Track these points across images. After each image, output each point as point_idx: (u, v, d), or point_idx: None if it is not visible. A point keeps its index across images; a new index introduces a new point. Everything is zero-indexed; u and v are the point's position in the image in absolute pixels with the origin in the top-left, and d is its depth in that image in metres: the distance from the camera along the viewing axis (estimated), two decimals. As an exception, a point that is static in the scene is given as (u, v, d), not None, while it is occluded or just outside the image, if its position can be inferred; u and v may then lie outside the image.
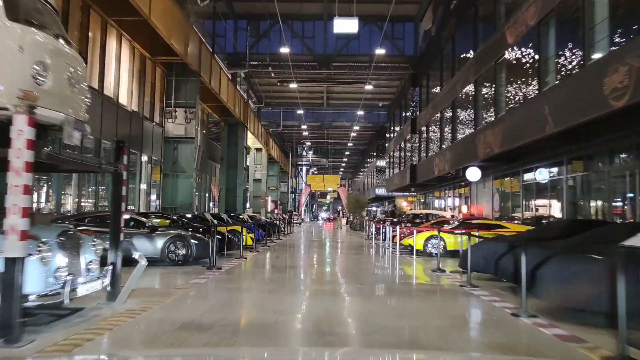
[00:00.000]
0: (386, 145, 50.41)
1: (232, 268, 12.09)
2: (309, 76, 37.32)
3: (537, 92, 15.22)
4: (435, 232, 16.94)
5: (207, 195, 34.55)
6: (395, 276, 12.38)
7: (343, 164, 79.05)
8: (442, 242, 16.63)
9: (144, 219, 12.61)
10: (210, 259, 11.76)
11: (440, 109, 27.51)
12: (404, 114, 38.87)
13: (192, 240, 12.35)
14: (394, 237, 21.68)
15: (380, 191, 53.36)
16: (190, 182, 22.39)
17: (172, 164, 22.45)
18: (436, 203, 35.21)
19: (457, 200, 30.83)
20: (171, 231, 12.57)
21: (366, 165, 69.38)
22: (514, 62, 17.20)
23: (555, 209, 18.68)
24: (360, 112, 44.33)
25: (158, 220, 15.67)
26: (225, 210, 32.17)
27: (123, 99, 19.85)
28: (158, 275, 10.71)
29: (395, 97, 42.97)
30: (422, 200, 41.49)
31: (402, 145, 38.62)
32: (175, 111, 22.43)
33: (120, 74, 19.39)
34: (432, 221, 22.73)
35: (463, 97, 23.55)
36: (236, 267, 12.31)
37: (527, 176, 20.45)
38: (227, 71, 32.28)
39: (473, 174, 22.89)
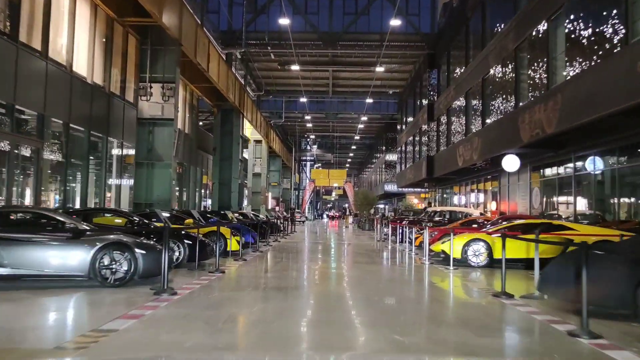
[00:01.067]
0: (397, 137, 46.23)
1: (194, 292, 7.98)
2: (312, 58, 33.19)
3: (621, 45, 11.04)
4: (477, 235, 12.84)
5: (197, 190, 30.48)
6: (445, 309, 7.84)
7: (349, 160, 74.82)
8: (484, 248, 12.54)
9: (62, 218, 8.48)
10: (163, 279, 7.67)
11: (466, 90, 23.31)
12: (418, 102, 34.66)
13: (138, 250, 8.24)
14: (416, 239, 17.66)
15: (390, 187, 49.12)
16: (167, 172, 18.29)
17: (146, 150, 18.35)
18: (455, 199, 30.99)
19: (481, 196, 26.65)
20: (109, 236, 8.44)
21: (373, 161, 65.21)
22: (580, 13, 13.01)
23: (625, 205, 14.54)
24: (369, 100, 40.12)
25: (119, 221, 11.64)
26: (218, 207, 28.23)
27: (81, 69, 15.76)
28: (54, 312, 6.63)
29: (407, 83, 38.75)
30: (434, 197, 37.32)
31: (417, 135, 34.43)
32: (151, 87, 18.31)
33: (75, 36, 15.30)
34: (461, 221, 18.57)
35: (497, 71, 19.35)
36: (200, 291, 8.19)
37: (581, 164, 16.29)
38: (221, 51, 28.17)
39: (510, 163, 18.72)
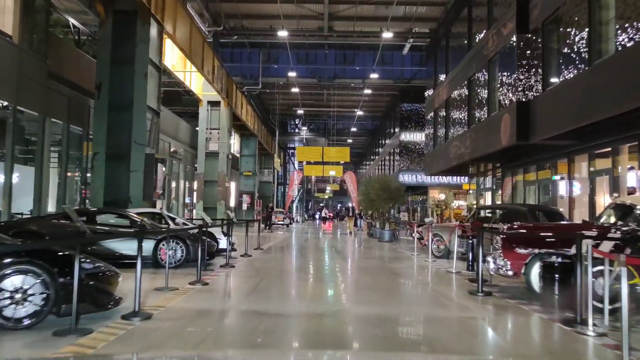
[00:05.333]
0: (421, 111, 31.14)
1: None
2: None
3: None
4: None
5: (71, 168, 15.19)
6: None
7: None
8: None
9: None
10: None
11: None
12: (472, 29, 19.56)
13: None
14: None
15: (409, 178, 33.95)
16: None
17: None
18: (561, 188, 15.69)
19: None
20: None
21: (378, 150, 49.87)
22: None
23: None
24: (387, 35, 24.67)
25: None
26: (104, 199, 13.26)
27: None
28: None
29: (449, 8, 23.48)
30: (486, 188, 22.31)
31: (476, 79, 19.19)
32: None
33: None
34: None
35: None
36: None
37: None
38: None
39: None
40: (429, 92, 27.24)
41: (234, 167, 33.86)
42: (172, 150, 22.70)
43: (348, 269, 12.19)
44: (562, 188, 15.76)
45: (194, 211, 24.98)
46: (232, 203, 28.02)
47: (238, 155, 34.91)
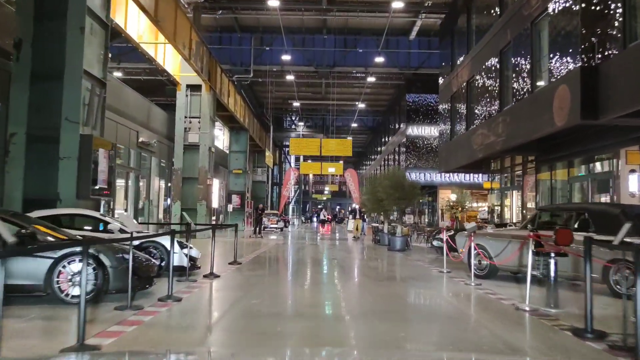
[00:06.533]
0: (439, 92, 27.45)
1: None
2: None
3: None
4: None
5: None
6: None
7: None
8: None
9: None
10: None
11: None
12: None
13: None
14: None
15: (418, 176, 30.02)
16: None
17: None
18: (631, 184, 11.84)
19: None
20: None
21: (379, 149, 46.00)
22: None
23: None
24: (397, 4, 20.81)
25: None
26: (24, 200, 9.16)
27: None
28: None
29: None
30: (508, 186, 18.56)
31: (512, 48, 15.33)
32: None
33: None
34: None
35: None
36: None
37: None
38: None
39: None
40: (443, 78, 23.40)
41: (222, 165, 30.04)
42: (140, 140, 18.79)
43: (360, 304, 7.45)
44: (634, 184, 11.95)
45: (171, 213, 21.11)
46: (216, 204, 24.09)
47: (227, 151, 31.07)
